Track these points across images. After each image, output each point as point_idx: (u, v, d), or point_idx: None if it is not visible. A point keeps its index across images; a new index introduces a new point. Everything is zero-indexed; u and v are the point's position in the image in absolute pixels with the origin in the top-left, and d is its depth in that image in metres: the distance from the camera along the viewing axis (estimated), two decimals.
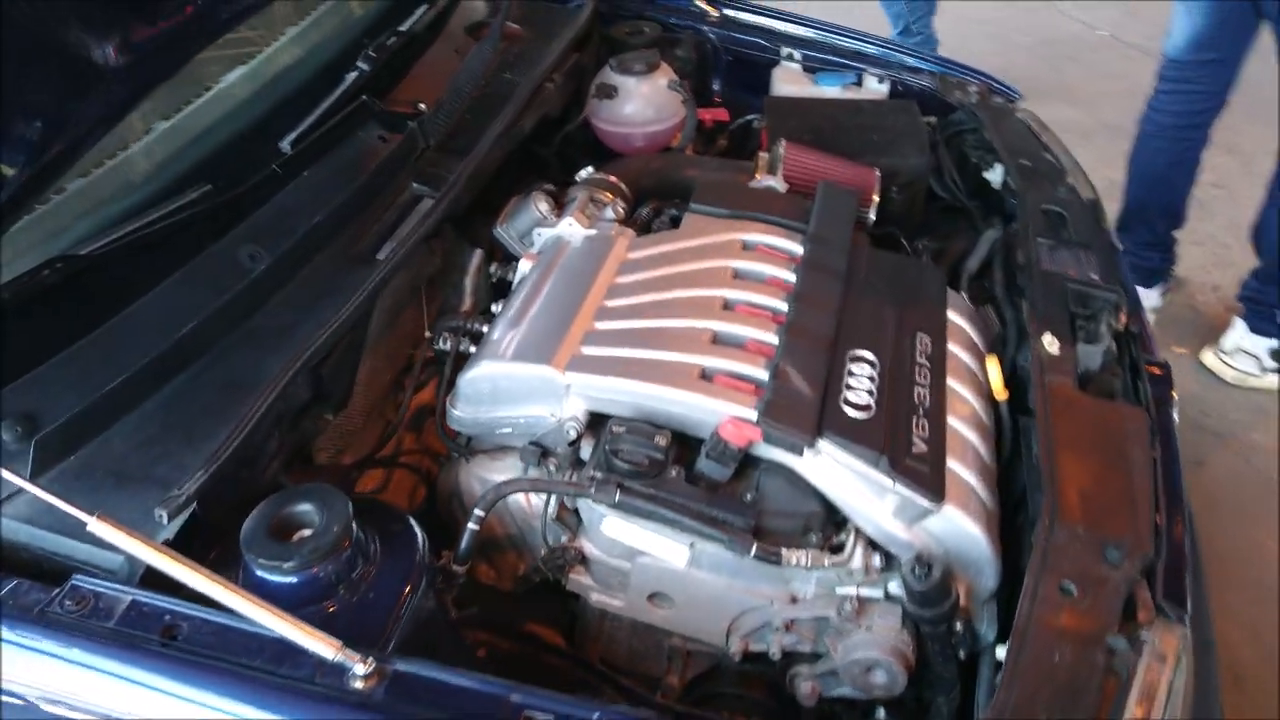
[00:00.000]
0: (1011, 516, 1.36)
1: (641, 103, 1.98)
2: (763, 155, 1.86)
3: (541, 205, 1.64)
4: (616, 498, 1.22)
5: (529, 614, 1.49)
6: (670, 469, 1.25)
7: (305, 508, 1.13)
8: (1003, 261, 1.73)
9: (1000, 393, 1.42)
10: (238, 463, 1.17)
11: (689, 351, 1.33)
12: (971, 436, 1.35)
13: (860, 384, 1.31)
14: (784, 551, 1.21)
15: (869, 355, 1.35)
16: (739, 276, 1.49)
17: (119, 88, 1.15)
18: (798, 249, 1.53)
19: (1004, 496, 1.36)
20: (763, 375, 1.29)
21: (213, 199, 1.38)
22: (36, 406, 1.16)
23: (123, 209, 1.36)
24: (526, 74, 1.88)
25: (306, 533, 1.11)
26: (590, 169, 1.76)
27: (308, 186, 1.49)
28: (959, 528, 1.23)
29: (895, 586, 1.24)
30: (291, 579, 1.08)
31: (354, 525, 1.13)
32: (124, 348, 1.22)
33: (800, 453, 1.23)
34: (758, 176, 1.80)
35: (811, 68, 2.23)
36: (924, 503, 1.20)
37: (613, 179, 1.73)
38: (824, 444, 1.23)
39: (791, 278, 1.47)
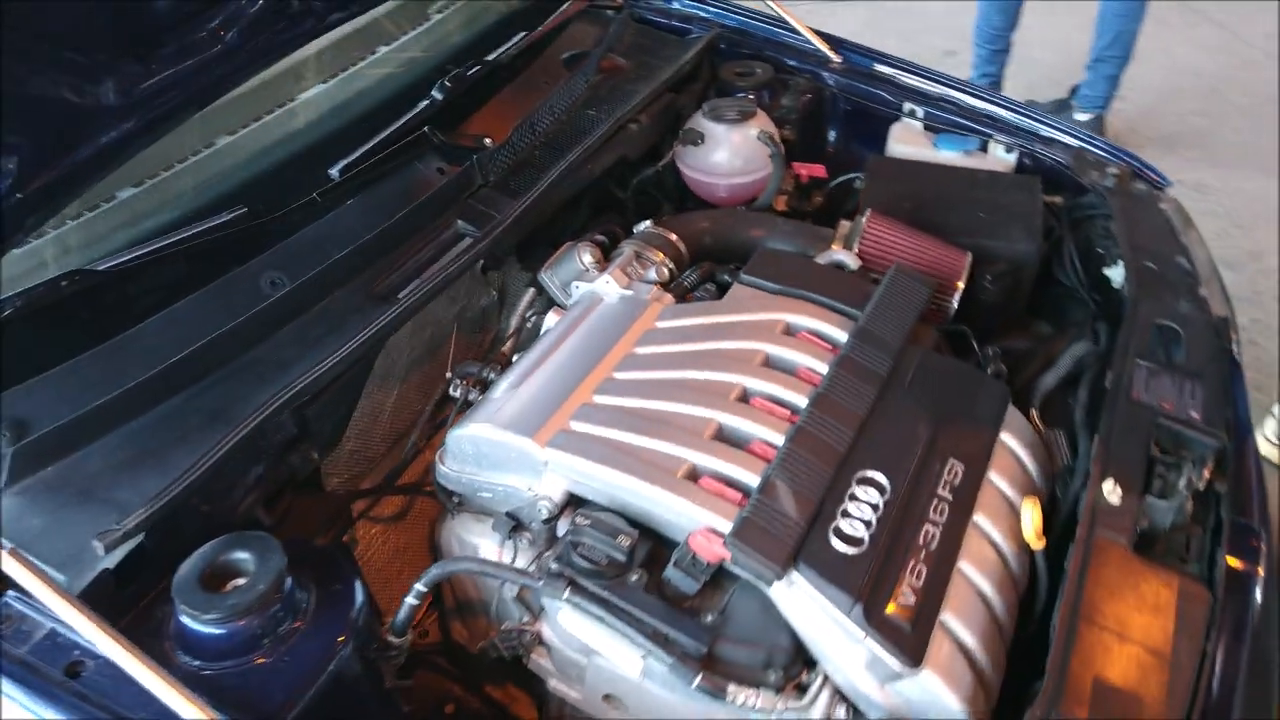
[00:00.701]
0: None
1: (729, 152, 1.88)
2: (844, 224, 1.73)
3: (585, 257, 1.57)
4: (564, 595, 1.15)
5: (506, 675, 1.45)
6: (633, 573, 1.17)
7: (242, 556, 1.11)
8: (1092, 380, 1.53)
9: (1035, 541, 1.25)
10: (201, 496, 1.17)
11: (684, 444, 1.23)
12: (986, 588, 1.19)
13: (860, 512, 1.17)
14: (731, 688, 1.10)
15: (880, 478, 1.22)
16: (769, 364, 1.38)
17: (126, 120, 1.16)
18: (845, 338, 1.41)
19: (1029, 662, 1.20)
20: (755, 483, 1.19)
21: (246, 222, 1.39)
22: (31, 414, 1.19)
23: (162, 224, 1.39)
24: (611, 113, 1.82)
25: (240, 582, 1.10)
26: (649, 222, 1.68)
27: (348, 216, 1.48)
28: (936, 697, 1.08)
29: None
30: (215, 630, 1.07)
31: (288, 581, 1.11)
32: (124, 364, 1.25)
33: (769, 582, 1.12)
34: (833, 248, 1.67)
35: (934, 127, 2.06)
36: (895, 664, 1.07)
37: (670, 235, 1.65)
38: (797, 577, 1.11)
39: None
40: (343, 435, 1.41)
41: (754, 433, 1.27)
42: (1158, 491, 1.30)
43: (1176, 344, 1.53)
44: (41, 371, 1.22)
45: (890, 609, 1.09)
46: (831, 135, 2.20)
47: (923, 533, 1.18)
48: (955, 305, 1.65)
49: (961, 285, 1.65)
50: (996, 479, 1.31)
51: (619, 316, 1.47)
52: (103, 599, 1.07)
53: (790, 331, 1.44)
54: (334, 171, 1.51)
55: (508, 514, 1.29)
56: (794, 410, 1.30)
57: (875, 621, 1.08)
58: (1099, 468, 1.30)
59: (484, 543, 1.31)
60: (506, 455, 1.27)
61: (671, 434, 1.25)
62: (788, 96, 2.05)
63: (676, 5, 2.29)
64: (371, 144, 1.56)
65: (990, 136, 2.01)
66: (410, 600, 1.19)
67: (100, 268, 1.27)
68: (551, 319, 1.53)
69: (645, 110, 1.89)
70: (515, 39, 1.91)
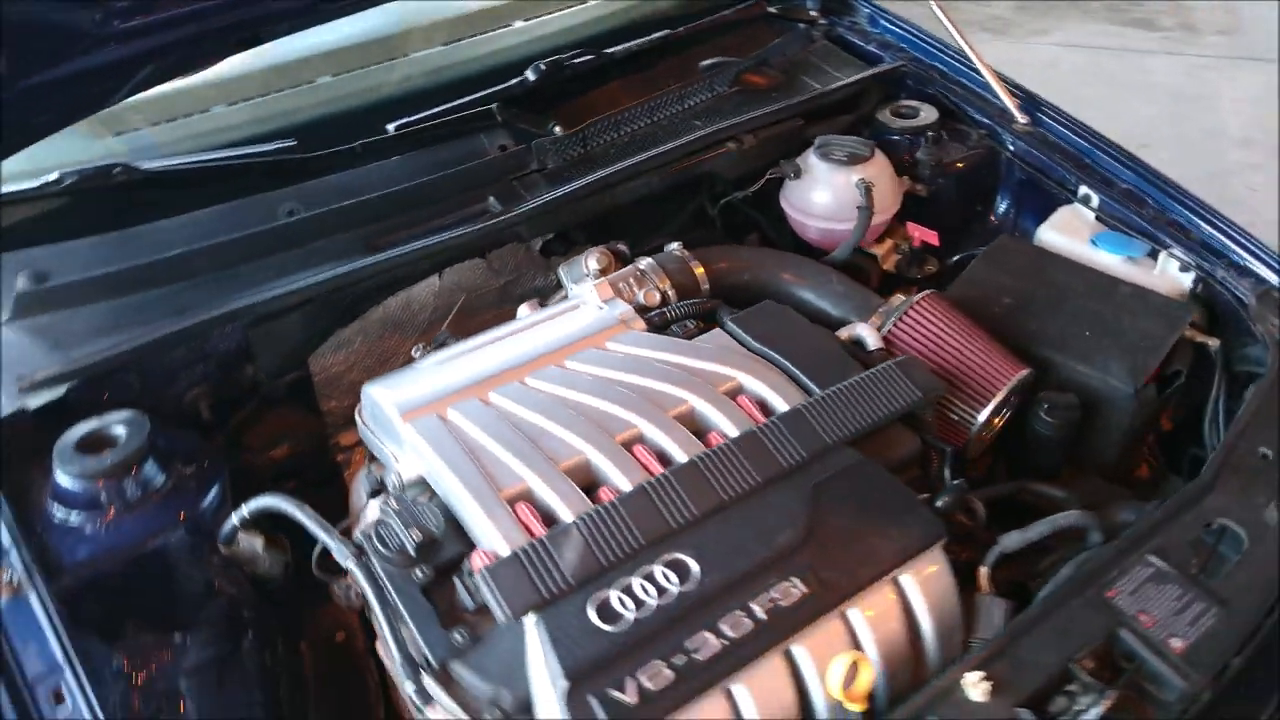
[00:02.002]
0: None
1: (825, 194, 1.74)
2: (897, 298, 1.55)
3: (590, 262, 1.55)
4: (347, 562, 1.18)
5: None
6: (418, 568, 1.17)
7: (118, 431, 1.27)
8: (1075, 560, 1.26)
9: (845, 700, 1.07)
10: (134, 374, 1.35)
11: (531, 467, 1.20)
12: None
13: (643, 593, 1.08)
14: (442, 704, 1.08)
15: (693, 567, 1.11)
16: (689, 418, 1.30)
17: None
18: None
19: None
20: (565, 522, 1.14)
21: (288, 154, 1.54)
22: (52, 269, 1.43)
23: (233, 139, 1.58)
24: (717, 125, 1.76)
25: (108, 452, 1.26)
26: (678, 244, 1.61)
27: (387, 171, 1.58)
28: None
29: None
30: (72, 485, 1.24)
31: (147, 460, 1.26)
32: (136, 249, 1.45)
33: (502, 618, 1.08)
34: (872, 321, 1.51)
35: (1106, 221, 1.76)
36: None
37: (692, 264, 1.56)
38: (531, 630, 1.06)
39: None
40: (303, 363, 1.52)
41: (609, 478, 1.21)
42: (1055, 711, 1.07)
43: (1228, 556, 1.23)
44: (73, 239, 1.46)
45: (606, 699, 1.01)
46: (1001, 205, 1.95)
47: (699, 639, 1.06)
48: (982, 420, 1.43)
49: (995, 400, 1.43)
50: (856, 619, 1.14)
51: (578, 326, 1.44)
52: (18, 436, 1.28)
53: (735, 393, 1.34)
54: (390, 127, 1.62)
55: (372, 469, 1.34)
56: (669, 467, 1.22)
57: (577, 698, 1.00)
58: (987, 655, 1.10)
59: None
60: (384, 421, 1.32)
61: (529, 454, 1.22)
62: (925, 151, 1.85)
63: (878, 30, 2.13)
64: (436, 109, 1.64)
65: (1167, 247, 1.68)
66: (233, 520, 1.29)
67: (143, 166, 1.49)
68: (524, 310, 1.53)
69: (754, 131, 1.80)
70: (652, 36, 1.89)
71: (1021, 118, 1.88)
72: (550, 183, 1.64)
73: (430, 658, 1.10)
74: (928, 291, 1.53)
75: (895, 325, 1.49)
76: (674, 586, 1.09)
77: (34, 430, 1.29)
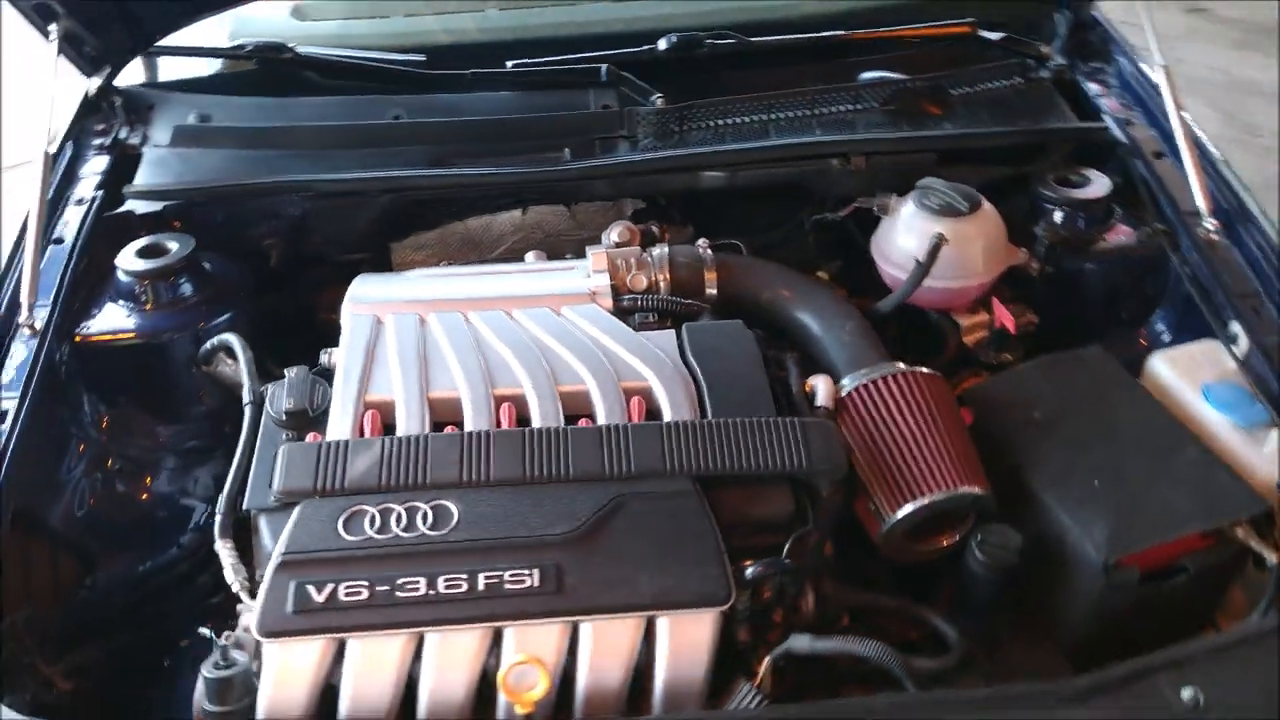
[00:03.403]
0: None
1: (906, 240, 1.57)
2: (897, 364, 1.39)
3: (612, 233, 1.57)
4: (246, 403, 1.36)
5: None
6: (286, 431, 1.32)
7: (171, 247, 1.57)
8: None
9: (515, 700, 1.07)
10: (218, 206, 1.64)
11: (405, 385, 1.31)
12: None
13: (396, 521, 1.14)
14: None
15: (454, 520, 1.15)
16: (578, 398, 1.31)
17: None
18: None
19: None
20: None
21: (413, 67, 1.73)
22: (214, 113, 1.77)
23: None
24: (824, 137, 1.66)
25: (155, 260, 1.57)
26: (704, 241, 1.56)
27: (488, 102, 1.72)
28: None
29: None
30: (123, 279, 1.56)
31: (181, 277, 1.55)
32: (276, 114, 1.74)
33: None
34: (849, 379, 1.39)
35: (1248, 371, 1.41)
36: None
37: (705, 266, 1.51)
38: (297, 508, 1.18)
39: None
40: (371, 248, 1.73)
41: (463, 420, 1.28)
42: None
43: None
44: (240, 95, 1.78)
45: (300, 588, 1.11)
46: (1159, 323, 1.63)
47: (413, 582, 1.10)
48: (896, 519, 1.27)
49: (915, 505, 1.26)
50: (585, 634, 1.11)
51: (550, 286, 1.48)
52: (122, 230, 1.63)
53: (638, 392, 1.32)
54: (509, 64, 1.74)
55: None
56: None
57: (276, 580, 1.12)
58: None
59: None
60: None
61: (409, 374, 1.32)
62: (1044, 227, 1.59)
63: (1122, 87, 1.82)
64: (555, 57, 1.73)
65: None
66: (207, 345, 1.52)
67: (302, 50, 1.77)
68: (529, 257, 1.60)
69: (869, 154, 1.67)
70: (815, 34, 1.80)
71: (1211, 222, 1.55)
72: (627, 150, 1.68)
73: (249, 501, 1.25)
74: (923, 371, 1.37)
75: (859, 390, 1.36)
76: (423, 528, 1.15)
77: (135, 229, 1.63)
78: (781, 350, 1.45)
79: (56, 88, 1.59)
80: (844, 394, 1.36)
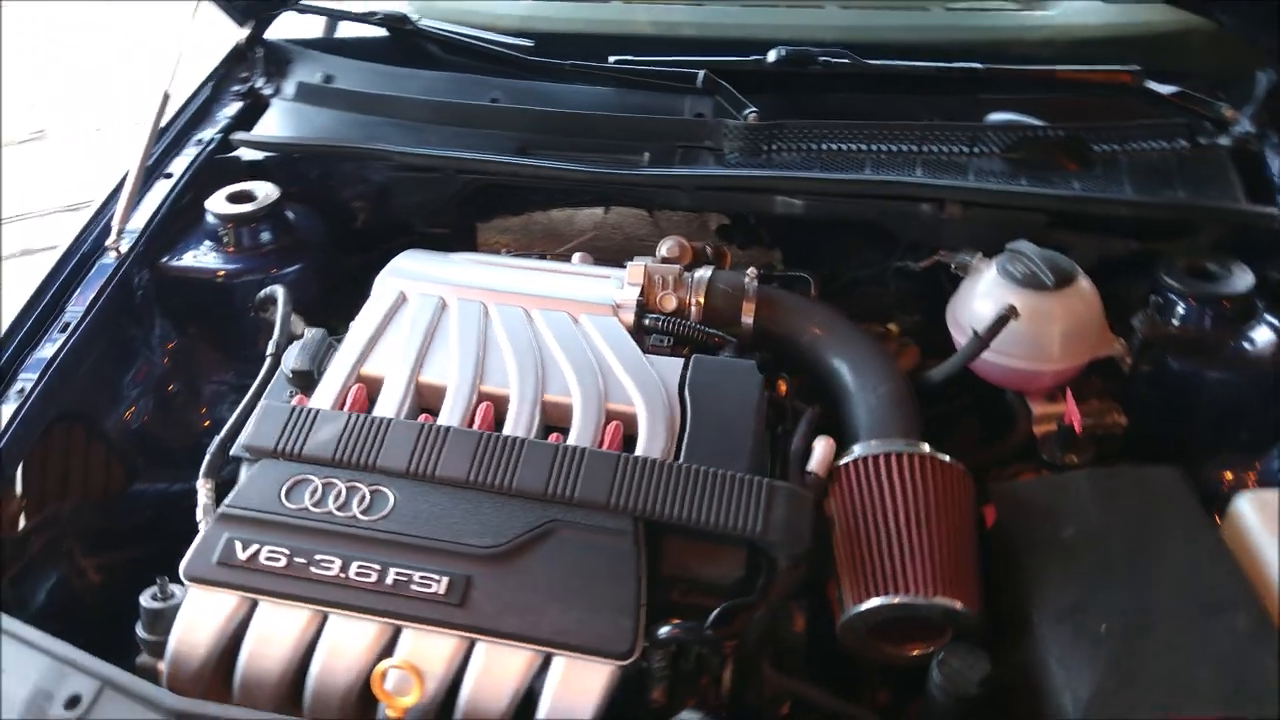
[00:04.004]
0: None
1: (980, 306, 1.40)
2: (921, 445, 1.24)
3: (663, 247, 1.50)
4: (269, 353, 1.42)
5: None
6: (291, 388, 1.36)
7: (258, 195, 1.65)
8: None
9: (386, 702, 1.04)
10: (314, 166, 1.72)
11: (399, 367, 1.32)
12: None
13: (335, 497, 1.15)
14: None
15: (387, 508, 1.14)
16: (561, 411, 1.27)
17: None
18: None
19: None
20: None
21: (518, 51, 1.73)
22: (338, 74, 1.84)
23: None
24: (920, 179, 1.51)
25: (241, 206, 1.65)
26: (753, 270, 1.45)
27: (582, 95, 1.69)
28: None
29: None
30: (211, 220, 1.65)
31: (261, 226, 1.63)
32: (390, 82, 1.80)
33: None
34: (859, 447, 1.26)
35: None
36: None
37: (745, 296, 1.42)
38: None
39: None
40: (452, 223, 1.75)
41: (442, 411, 1.27)
42: None
43: None
44: (365, 60, 1.84)
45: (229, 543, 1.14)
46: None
47: (330, 561, 1.10)
48: (853, 613, 1.14)
49: (875, 603, 1.12)
50: (477, 655, 1.07)
51: (578, 292, 1.44)
52: (227, 171, 1.73)
53: (621, 417, 1.26)
54: (612, 59, 1.69)
55: None
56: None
57: (212, 530, 1.15)
58: None
59: None
60: None
61: (406, 357, 1.33)
62: (1146, 320, 1.36)
63: None
64: (656, 58, 1.66)
65: None
66: (261, 293, 1.58)
67: (421, 23, 1.80)
68: (575, 258, 1.56)
69: (967, 204, 1.49)
70: (949, 64, 1.62)
71: None
72: (710, 163, 1.60)
73: (247, 440, 1.29)
74: (943, 459, 1.22)
75: (859, 463, 1.22)
76: (356, 511, 1.15)
77: (238, 175, 1.74)
78: (803, 405, 1.34)
79: (191, 30, 1.71)
80: (842, 463, 1.23)
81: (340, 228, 1.77)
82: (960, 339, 1.43)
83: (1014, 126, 1.58)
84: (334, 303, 1.62)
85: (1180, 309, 1.42)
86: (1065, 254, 1.42)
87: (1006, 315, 1.33)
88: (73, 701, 1.06)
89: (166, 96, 1.66)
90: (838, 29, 1.77)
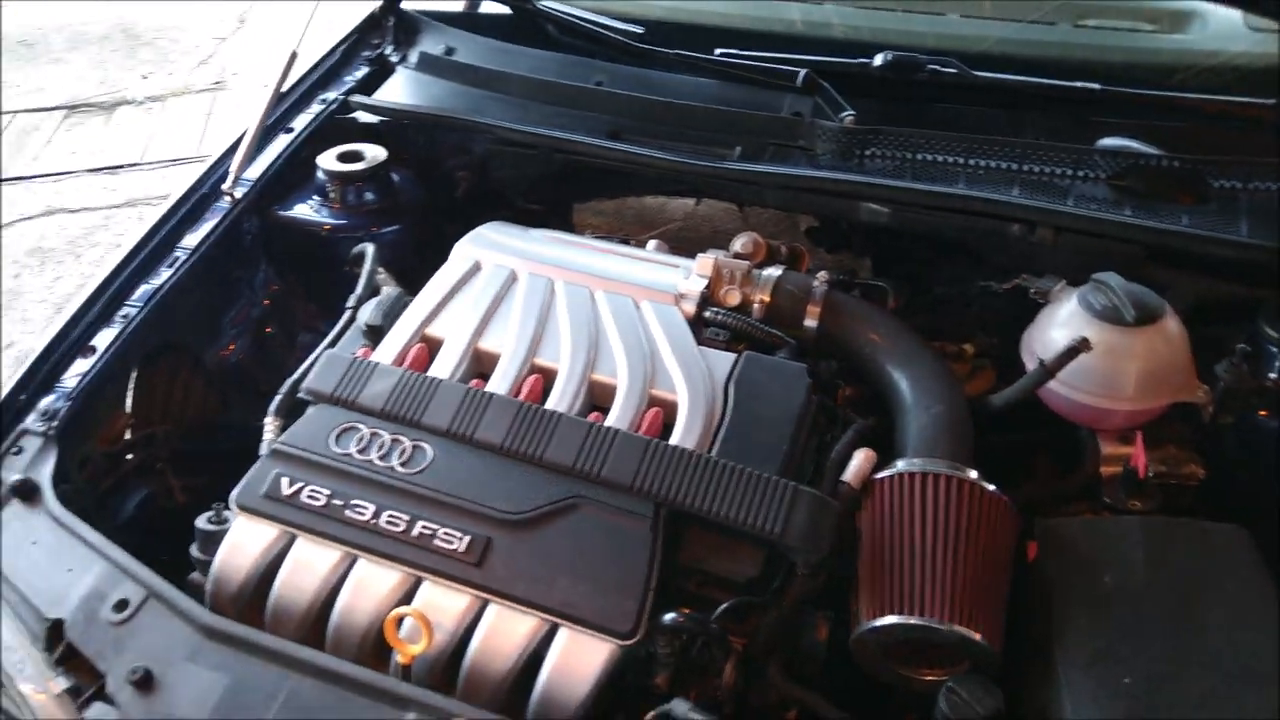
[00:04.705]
0: None
1: (1057, 334, 1.33)
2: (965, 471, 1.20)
3: (736, 243, 1.49)
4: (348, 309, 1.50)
5: None
6: (364, 340, 1.43)
7: (367, 155, 1.73)
8: None
9: (396, 646, 1.09)
10: (421, 134, 1.79)
11: (459, 331, 1.36)
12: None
13: (378, 447, 1.20)
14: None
15: (425, 463, 1.19)
16: (606, 391, 1.29)
17: None
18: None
19: None
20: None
21: (626, 37, 1.75)
22: (459, 48, 1.90)
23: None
24: (1014, 198, 1.45)
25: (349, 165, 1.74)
26: (824, 274, 1.43)
27: (684, 85, 1.70)
28: None
29: None
30: (321, 175, 1.74)
31: (366, 186, 1.71)
32: (504, 59, 1.85)
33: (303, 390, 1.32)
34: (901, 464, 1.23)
35: None
36: None
37: (809, 301, 1.40)
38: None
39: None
40: (545, 199, 1.79)
41: (493, 378, 1.31)
42: None
43: None
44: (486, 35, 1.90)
45: (276, 477, 1.21)
46: None
47: (364, 507, 1.16)
48: (865, 629, 1.12)
49: (891, 621, 1.10)
50: (488, 615, 1.11)
51: (645, 277, 1.45)
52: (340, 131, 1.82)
53: (662, 405, 1.27)
54: (717, 51, 1.69)
55: None
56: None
57: (264, 464, 1.23)
58: None
59: None
60: None
61: (469, 323, 1.38)
62: (1244, 373, 1.26)
63: None
64: (761, 54, 1.65)
65: None
66: (355, 249, 1.66)
67: (541, 4, 1.84)
68: (650, 244, 1.57)
69: (1060, 229, 1.42)
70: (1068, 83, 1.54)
71: None
72: (800, 163, 1.58)
73: (309, 384, 1.37)
74: (986, 487, 1.18)
75: (895, 479, 1.19)
76: (396, 462, 1.20)
77: (353, 135, 1.82)
78: (854, 415, 1.32)
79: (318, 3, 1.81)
80: (878, 477, 1.21)
81: (441, 195, 1.83)
82: (1031, 366, 1.37)
83: (1126, 153, 1.50)
84: (427, 266, 1.68)
85: (1278, 361, 1.32)
86: (1160, 292, 1.35)
87: (1077, 347, 1.27)
88: (121, 605, 1.16)
89: (294, 56, 1.76)
90: (954, 38, 1.71)
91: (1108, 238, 1.42)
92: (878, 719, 1.21)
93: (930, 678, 1.13)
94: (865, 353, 1.40)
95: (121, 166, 3.89)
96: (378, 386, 1.27)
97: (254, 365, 1.74)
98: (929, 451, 1.24)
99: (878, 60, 1.62)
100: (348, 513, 1.17)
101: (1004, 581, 1.15)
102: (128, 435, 1.53)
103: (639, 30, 1.78)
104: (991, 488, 1.18)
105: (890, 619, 1.10)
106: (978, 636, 1.08)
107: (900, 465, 1.22)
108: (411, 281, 1.53)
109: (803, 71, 1.62)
